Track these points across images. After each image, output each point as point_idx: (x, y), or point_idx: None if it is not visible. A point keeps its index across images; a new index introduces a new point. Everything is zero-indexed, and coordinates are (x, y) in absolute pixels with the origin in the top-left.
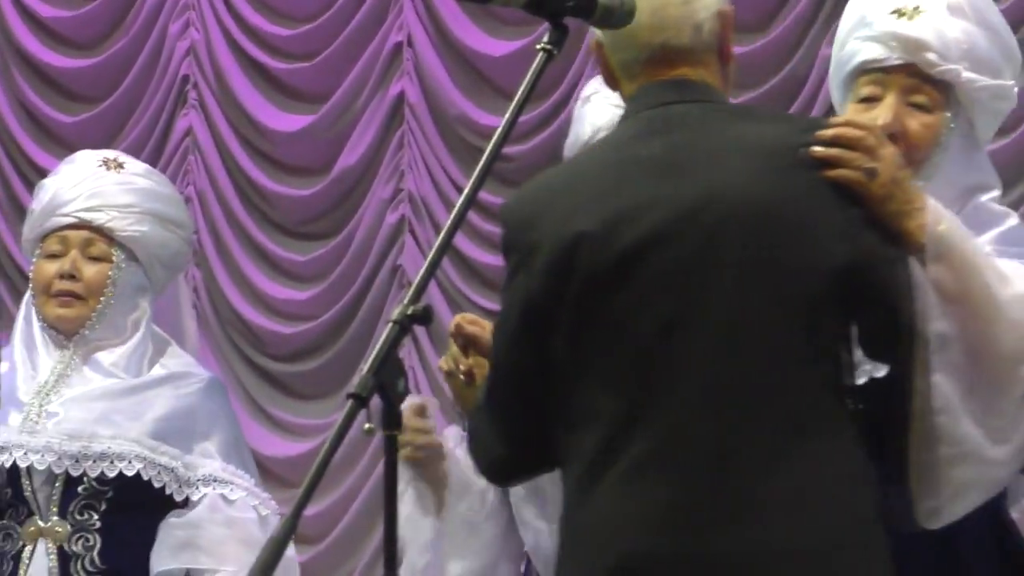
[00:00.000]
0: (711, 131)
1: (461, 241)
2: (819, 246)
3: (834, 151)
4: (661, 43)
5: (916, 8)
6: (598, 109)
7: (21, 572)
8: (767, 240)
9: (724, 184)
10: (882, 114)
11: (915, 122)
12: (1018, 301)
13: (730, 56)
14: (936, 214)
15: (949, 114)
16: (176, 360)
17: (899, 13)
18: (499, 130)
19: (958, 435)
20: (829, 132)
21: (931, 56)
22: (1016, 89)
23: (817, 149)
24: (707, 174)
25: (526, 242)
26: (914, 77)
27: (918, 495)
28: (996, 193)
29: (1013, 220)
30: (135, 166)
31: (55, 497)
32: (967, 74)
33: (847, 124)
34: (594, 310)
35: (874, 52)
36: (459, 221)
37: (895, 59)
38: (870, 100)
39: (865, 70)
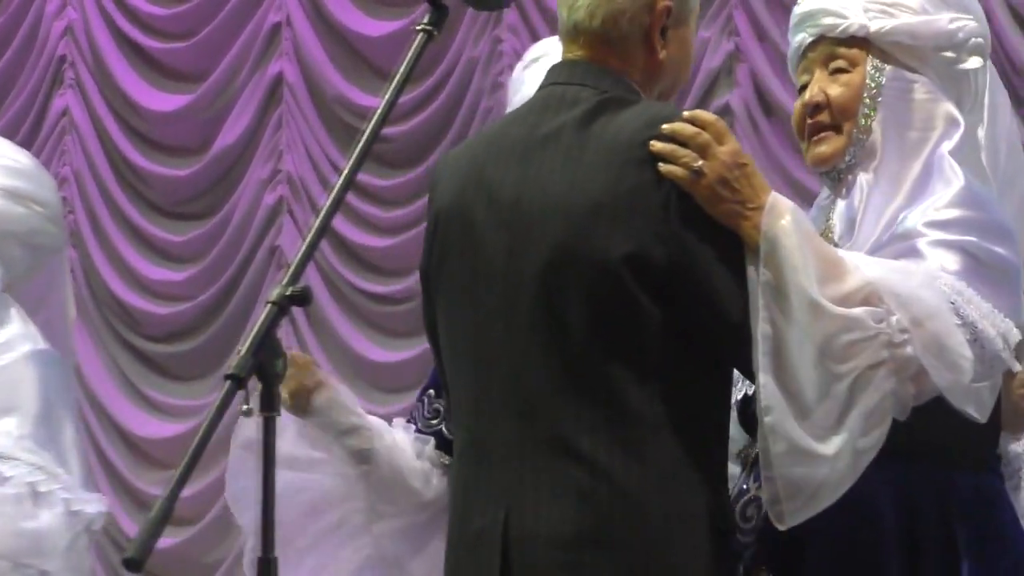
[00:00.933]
0: (577, 119)
1: (340, 223)
2: (635, 243)
3: (668, 147)
4: (574, 22)
5: None
6: (534, 77)
7: None
8: (582, 234)
9: (558, 175)
10: (808, 93)
11: (836, 86)
12: (851, 296)
13: (655, 50)
14: (773, 213)
15: (871, 67)
16: (8, 332)
17: None
18: (378, 111)
19: (785, 434)
20: (669, 127)
21: (830, 20)
22: (960, 23)
23: (655, 144)
24: (550, 163)
25: (428, 209)
26: (828, 46)
27: (767, 495)
28: (958, 133)
29: (954, 187)
30: None
31: None
32: (876, 23)
33: (690, 119)
34: (440, 291)
35: (795, 41)
36: (338, 202)
37: (808, 38)
38: (804, 88)
39: (799, 61)
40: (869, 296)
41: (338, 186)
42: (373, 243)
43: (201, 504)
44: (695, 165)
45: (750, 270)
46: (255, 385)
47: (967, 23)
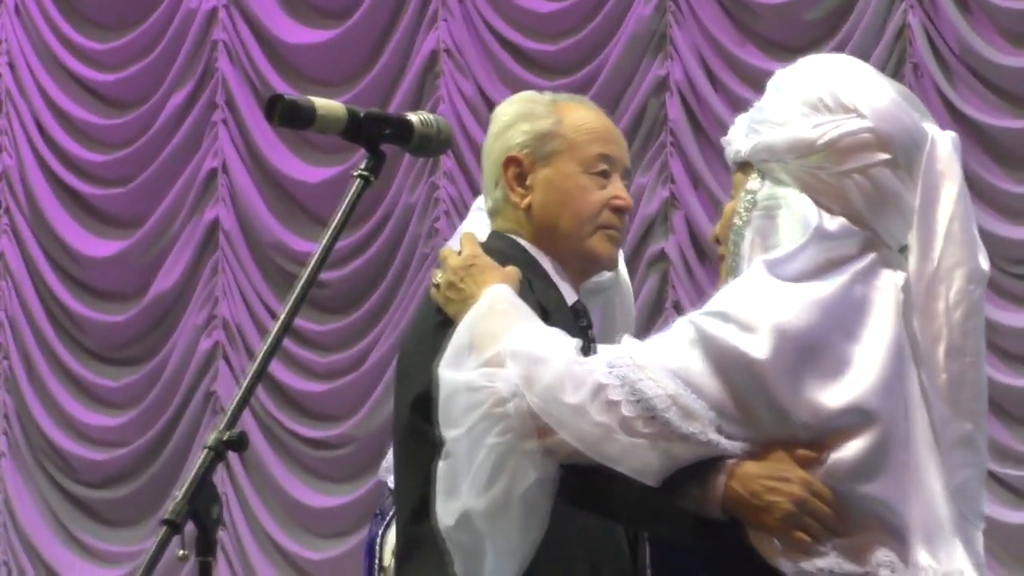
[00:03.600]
0: None
1: (276, 368)
2: (423, 383)
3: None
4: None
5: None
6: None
7: None
8: (398, 378)
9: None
10: None
11: (724, 213)
12: (489, 362)
13: (517, 202)
14: (482, 302)
15: (749, 188)
16: None
17: None
18: (315, 256)
19: (439, 517)
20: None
21: (727, 148)
22: (827, 127)
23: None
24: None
25: None
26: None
27: None
28: (788, 249)
29: (736, 280)
30: None
31: None
32: (746, 143)
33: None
34: None
35: None
36: (274, 348)
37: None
38: None
39: None
40: (499, 359)
41: (275, 331)
42: (310, 388)
43: None
44: (436, 280)
45: None
46: (192, 530)
47: (841, 123)
